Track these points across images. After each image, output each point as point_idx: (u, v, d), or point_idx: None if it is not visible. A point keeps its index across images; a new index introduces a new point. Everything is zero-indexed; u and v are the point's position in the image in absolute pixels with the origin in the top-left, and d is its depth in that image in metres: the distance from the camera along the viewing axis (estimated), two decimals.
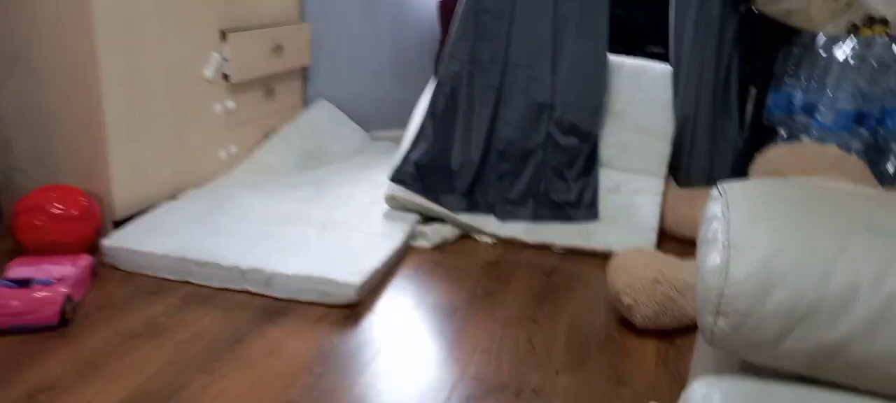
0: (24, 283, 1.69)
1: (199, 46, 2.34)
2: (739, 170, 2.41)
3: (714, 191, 0.98)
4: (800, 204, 0.91)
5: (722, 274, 0.81)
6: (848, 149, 2.22)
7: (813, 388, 0.82)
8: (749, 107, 2.59)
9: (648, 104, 2.47)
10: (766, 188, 0.96)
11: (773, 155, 2.21)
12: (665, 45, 2.61)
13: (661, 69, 2.52)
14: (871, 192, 1.33)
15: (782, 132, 2.44)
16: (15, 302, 1.62)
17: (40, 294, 1.65)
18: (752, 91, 2.58)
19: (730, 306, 0.81)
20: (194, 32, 2.31)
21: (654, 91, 2.49)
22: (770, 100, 2.48)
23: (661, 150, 2.43)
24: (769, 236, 0.83)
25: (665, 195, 2.37)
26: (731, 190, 0.96)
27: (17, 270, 1.76)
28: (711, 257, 0.85)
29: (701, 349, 1.11)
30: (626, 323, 1.82)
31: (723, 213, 0.89)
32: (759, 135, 2.53)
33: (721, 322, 0.83)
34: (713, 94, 2.45)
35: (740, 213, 0.88)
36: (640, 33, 2.75)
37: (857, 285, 0.78)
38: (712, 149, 2.48)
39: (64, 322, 1.66)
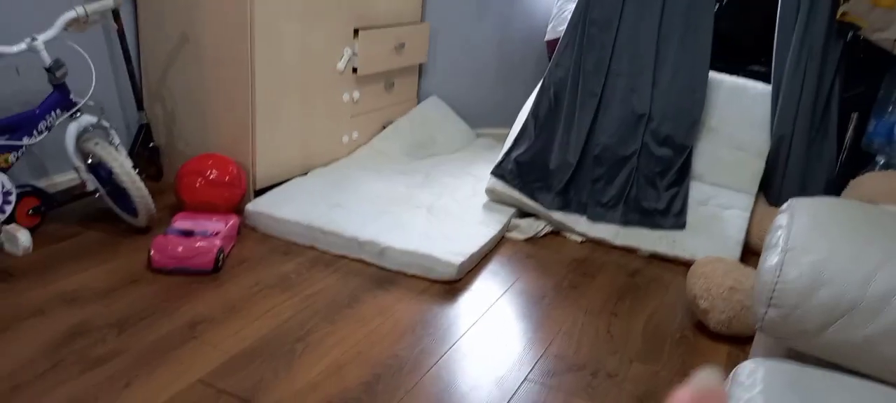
0: (187, 234, 2.04)
1: (334, 42, 2.66)
2: (833, 193, 2.45)
3: (784, 205, 1.13)
4: (854, 221, 1.05)
5: (776, 272, 0.97)
6: None
7: (845, 375, 0.97)
8: (849, 132, 2.61)
9: (745, 121, 2.56)
10: (828, 205, 1.10)
11: (866, 180, 2.26)
12: (767, 64, 2.67)
13: (761, 88, 2.60)
14: None
15: (880, 159, 2.46)
16: (180, 248, 1.97)
17: (200, 243, 1.99)
18: (853, 116, 2.60)
19: (780, 299, 0.98)
20: (331, 29, 2.62)
21: (753, 109, 2.57)
22: (871, 126, 2.51)
23: (754, 168, 2.51)
24: (821, 244, 0.98)
25: (754, 211, 2.46)
26: (797, 204, 1.11)
27: (181, 223, 2.11)
28: (770, 258, 1.01)
29: (757, 340, 1.26)
30: (700, 327, 1.95)
31: (787, 223, 1.05)
32: (857, 161, 2.55)
33: (772, 312, 0.99)
34: (812, 117, 2.50)
35: (801, 224, 1.03)
36: (742, 51, 2.83)
37: (892, 292, 0.92)
38: (806, 170, 2.53)
39: (217, 269, 2.00)
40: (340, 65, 2.70)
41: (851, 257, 0.96)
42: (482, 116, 3.49)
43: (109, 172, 2.09)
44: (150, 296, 1.85)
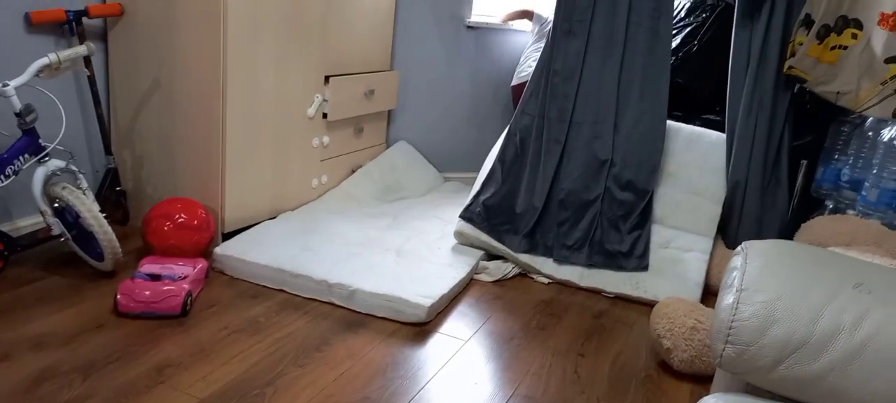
0: (155, 278, 2.03)
1: (306, 88, 2.70)
2: (786, 236, 2.56)
3: (739, 247, 1.20)
4: (803, 262, 1.12)
5: (732, 311, 1.03)
6: (891, 226, 2.36)
7: None
8: (799, 178, 2.75)
9: (702, 168, 2.67)
10: (779, 248, 1.17)
11: (816, 224, 2.37)
12: (721, 113, 2.81)
13: (716, 136, 2.72)
14: (876, 261, 1.50)
15: (829, 204, 2.59)
16: (147, 292, 1.96)
17: (168, 287, 1.98)
18: (803, 163, 2.74)
19: (736, 337, 1.03)
20: (303, 76, 2.67)
21: (709, 156, 2.69)
22: (819, 173, 2.64)
23: (712, 212, 2.61)
24: (773, 284, 1.04)
25: (713, 254, 2.55)
26: (751, 247, 1.17)
27: (149, 267, 2.10)
28: (726, 298, 1.07)
29: (718, 377, 1.32)
30: (664, 366, 2.01)
31: (741, 265, 1.11)
32: (807, 206, 2.68)
33: (728, 349, 1.04)
34: (764, 163, 2.63)
35: (754, 266, 1.10)
36: (698, 101, 2.97)
37: (838, 329, 0.99)
38: (761, 214, 2.65)
39: (185, 313, 1.99)
40: (311, 111, 2.74)
41: (800, 296, 1.03)
42: (450, 161, 3.56)
43: (76, 216, 2.07)
44: (117, 341, 1.83)
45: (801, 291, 1.03)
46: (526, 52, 3.41)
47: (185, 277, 2.06)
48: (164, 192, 2.49)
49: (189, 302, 2.01)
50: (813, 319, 0.99)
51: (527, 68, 3.30)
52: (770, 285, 1.04)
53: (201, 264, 2.19)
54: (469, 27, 3.44)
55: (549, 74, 2.68)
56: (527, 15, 3.46)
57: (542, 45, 3.26)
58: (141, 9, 2.38)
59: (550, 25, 3.25)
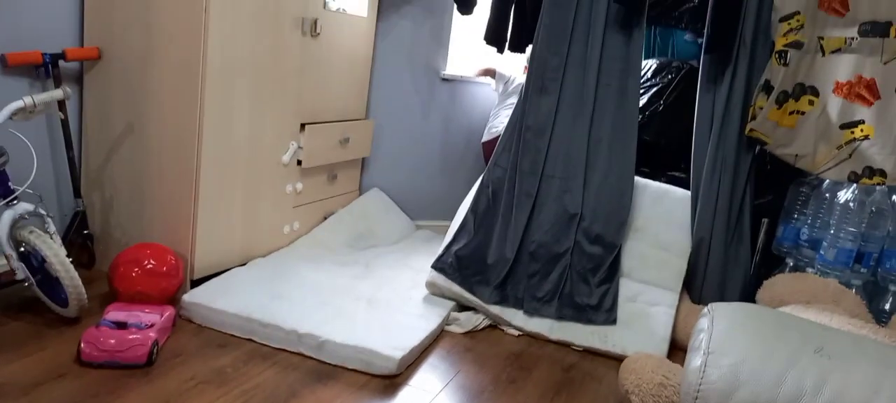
0: (120, 325, 1.99)
1: (281, 135, 2.72)
2: (748, 293, 2.63)
3: (704, 309, 1.25)
4: (767, 325, 1.16)
5: (700, 374, 1.07)
6: (848, 284, 2.44)
7: None
8: (761, 236, 2.84)
9: (668, 223, 2.74)
10: (744, 311, 1.21)
11: (778, 281, 2.45)
12: (686, 170, 2.90)
13: (682, 193, 2.80)
14: (834, 326, 1.55)
15: (789, 262, 2.68)
16: (112, 341, 1.92)
17: (133, 336, 1.94)
18: (764, 221, 2.83)
19: (704, 399, 1.06)
20: (278, 123, 2.69)
21: (675, 212, 2.76)
22: (780, 232, 2.73)
23: (678, 267, 2.67)
24: (738, 347, 1.08)
25: (679, 309, 2.60)
26: (717, 309, 1.22)
27: (115, 314, 2.06)
28: (694, 360, 1.10)
29: None
30: None
31: (708, 327, 1.15)
32: (769, 263, 2.77)
33: None
34: (727, 221, 2.71)
35: (720, 328, 1.14)
36: (663, 158, 3.06)
37: (801, 393, 1.02)
38: (725, 270, 2.72)
39: (150, 362, 1.95)
40: (285, 158, 2.75)
41: (764, 360, 1.07)
42: (422, 209, 3.59)
43: (42, 260, 2.03)
44: (79, 391, 1.78)
45: (765, 355, 1.06)
46: (494, 110, 3.51)
47: (151, 325, 2.02)
48: (132, 237, 2.46)
49: (155, 351, 1.97)
50: (776, 383, 1.03)
51: (497, 124, 3.38)
52: (735, 349, 1.08)
53: (169, 312, 2.15)
54: (444, 79, 3.51)
55: (522, 129, 2.75)
56: (490, 72, 3.57)
57: (509, 102, 3.36)
58: (118, 53, 2.39)
59: (514, 83, 3.36)
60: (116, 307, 2.12)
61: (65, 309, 2.09)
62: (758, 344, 1.10)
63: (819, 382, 1.01)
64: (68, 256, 2.04)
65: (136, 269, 2.21)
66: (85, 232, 2.47)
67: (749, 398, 1.03)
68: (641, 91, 3.07)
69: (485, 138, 3.49)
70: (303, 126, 2.83)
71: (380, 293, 2.55)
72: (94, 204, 2.53)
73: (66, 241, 2.32)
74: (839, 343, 1.11)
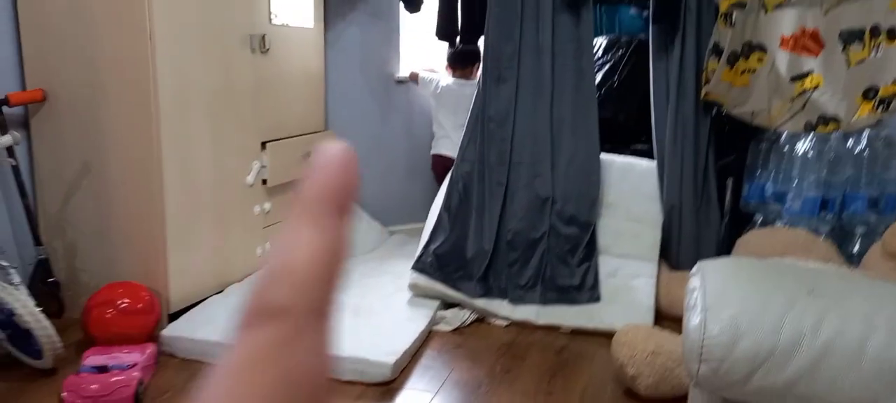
0: (101, 369, 1.92)
1: (243, 157, 2.66)
2: (723, 253, 2.69)
3: (693, 268, 1.26)
4: (757, 275, 1.18)
5: (701, 330, 1.08)
6: (817, 232, 2.52)
7: None
8: (727, 196, 2.90)
9: (638, 195, 2.78)
10: (734, 264, 1.23)
11: (751, 239, 2.50)
12: (647, 142, 2.95)
13: (647, 165, 2.85)
14: (821, 267, 1.60)
15: (758, 218, 2.75)
16: (94, 386, 1.85)
17: (117, 378, 1.88)
18: (729, 181, 2.90)
19: (708, 354, 1.08)
20: (239, 145, 2.63)
21: (642, 184, 2.81)
22: (745, 190, 2.80)
23: (652, 237, 2.72)
24: (735, 299, 1.10)
25: (659, 278, 2.64)
26: (706, 266, 1.24)
27: (94, 359, 1.99)
28: (693, 318, 1.12)
29: (692, 396, 1.36)
30: (631, 394, 2.04)
31: (700, 285, 1.17)
32: (738, 222, 2.83)
33: (703, 367, 1.09)
34: (694, 186, 2.77)
35: (713, 284, 1.15)
36: (624, 132, 3.11)
37: (800, 335, 1.05)
38: (697, 234, 2.77)
39: (138, 402, 1.88)
40: (250, 178, 2.70)
41: (761, 308, 1.08)
42: (393, 214, 3.56)
43: (11, 314, 1.95)
44: None
45: (761, 303, 1.08)
46: (435, 116, 3.35)
47: (134, 365, 1.96)
48: (101, 278, 2.37)
49: (141, 390, 1.91)
50: (776, 328, 1.05)
51: (442, 135, 3.30)
52: (732, 300, 1.09)
53: (150, 349, 2.09)
54: (399, 82, 3.50)
55: (485, 120, 2.75)
56: (413, 77, 3.43)
57: (440, 102, 3.29)
58: (65, 93, 2.31)
59: (440, 86, 3.30)
60: (95, 351, 2.04)
61: (40, 360, 2.01)
62: (753, 294, 1.12)
63: (816, 322, 1.04)
64: (36, 306, 1.96)
65: (111, 310, 2.14)
66: (50, 279, 2.37)
67: (752, 346, 1.05)
68: (595, 69, 3.11)
69: (433, 151, 3.37)
70: (264, 144, 2.78)
71: (364, 301, 2.53)
72: (56, 250, 2.43)
73: (32, 291, 2.22)
74: (830, 284, 1.14)
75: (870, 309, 1.03)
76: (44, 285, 2.35)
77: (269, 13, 2.76)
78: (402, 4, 3.26)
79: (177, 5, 2.28)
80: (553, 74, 2.75)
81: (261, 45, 2.69)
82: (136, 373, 1.91)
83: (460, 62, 3.28)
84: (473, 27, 3.00)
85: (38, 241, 2.33)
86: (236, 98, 2.59)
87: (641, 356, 1.98)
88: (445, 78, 3.30)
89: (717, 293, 1.14)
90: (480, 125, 2.77)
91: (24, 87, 2.34)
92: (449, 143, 3.24)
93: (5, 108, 2.22)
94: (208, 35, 2.43)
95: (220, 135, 2.53)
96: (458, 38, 3.06)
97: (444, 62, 3.34)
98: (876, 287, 1.13)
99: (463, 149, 2.79)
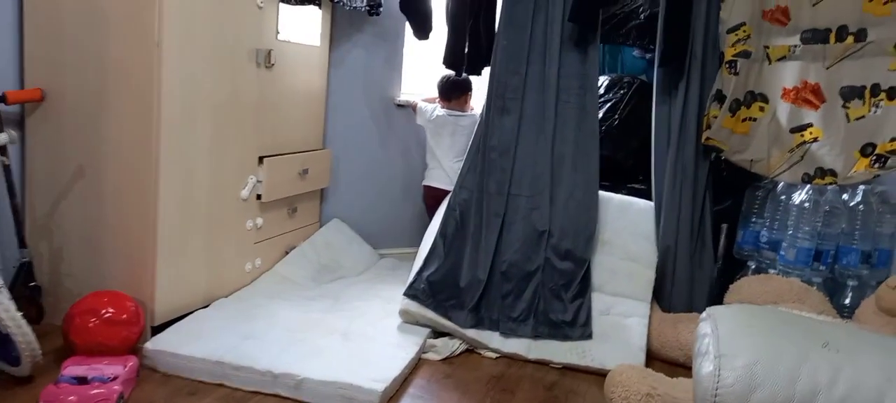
0: (81, 380, 1.85)
1: (239, 170, 2.62)
2: (715, 298, 2.68)
3: (703, 314, 1.25)
4: (770, 324, 1.17)
5: (715, 378, 1.06)
6: (809, 282, 2.52)
7: None
8: (722, 241, 2.91)
9: (634, 235, 2.78)
10: (745, 311, 1.22)
11: (745, 285, 2.50)
12: (645, 182, 2.96)
13: (644, 204, 2.85)
14: (827, 319, 1.60)
15: (751, 264, 2.75)
16: (73, 398, 1.78)
17: (97, 390, 1.81)
18: (723, 227, 2.91)
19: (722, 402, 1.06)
20: (236, 159, 2.59)
21: (639, 223, 2.80)
22: (740, 235, 2.81)
23: (646, 277, 2.70)
24: (749, 349, 1.08)
25: (651, 319, 2.62)
26: (716, 312, 1.22)
27: (74, 368, 1.92)
28: (705, 365, 1.10)
29: None
30: None
31: (712, 331, 1.15)
32: (731, 267, 2.83)
33: None
34: (690, 228, 2.77)
35: (725, 331, 1.14)
36: (622, 171, 3.12)
37: (816, 389, 1.03)
38: (691, 277, 2.77)
39: None
40: (245, 193, 2.66)
41: (775, 359, 1.07)
42: (385, 237, 3.53)
43: None
44: None
45: (775, 353, 1.07)
46: (429, 147, 3.33)
47: (115, 377, 1.89)
48: (85, 286, 2.30)
49: None
50: (792, 380, 1.03)
51: (434, 166, 3.30)
52: (746, 349, 1.08)
53: (132, 362, 2.03)
54: (399, 105, 3.49)
55: (486, 150, 2.75)
56: (413, 107, 3.40)
57: (434, 132, 3.29)
58: (65, 94, 2.26)
59: (435, 115, 3.29)
60: (75, 361, 1.98)
61: (17, 367, 1.93)
62: (767, 344, 1.10)
63: (833, 376, 1.02)
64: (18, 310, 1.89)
65: (94, 319, 2.07)
66: (31, 283, 2.30)
67: (767, 398, 1.03)
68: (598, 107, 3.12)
69: (425, 182, 3.34)
70: (261, 159, 2.74)
71: (353, 325, 2.48)
72: (41, 254, 2.37)
73: (12, 294, 2.15)
74: (842, 337, 1.13)
75: (885, 363, 1.02)
76: (25, 289, 2.28)
77: (277, 29, 2.74)
78: (410, 30, 3.26)
79: (187, 15, 2.26)
80: (557, 110, 2.75)
81: (266, 60, 2.67)
82: (116, 387, 1.85)
83: (450, 92, 3.27)
84: (479, 57, 3.01)
85: (22, 243, 2.27)
86: (238, 111, 2.56)
87: (635, 397, 1.95)
88: (440, 109, 3.29)
89: (730, 340, 1.12)
90: (481, 155, 2.76)
91: (22, 86, 2.29)
92: (441, 175, 3.24)
93: (2, 106, 2.18)
94: (216, 47, 2.40)
95: (220, 147, 2.49)
96: (463, 67, 3.06)
97: (436, 93, 3.33)
98: (886, 341, 1.12)
99: (462, 177, 2.77)
